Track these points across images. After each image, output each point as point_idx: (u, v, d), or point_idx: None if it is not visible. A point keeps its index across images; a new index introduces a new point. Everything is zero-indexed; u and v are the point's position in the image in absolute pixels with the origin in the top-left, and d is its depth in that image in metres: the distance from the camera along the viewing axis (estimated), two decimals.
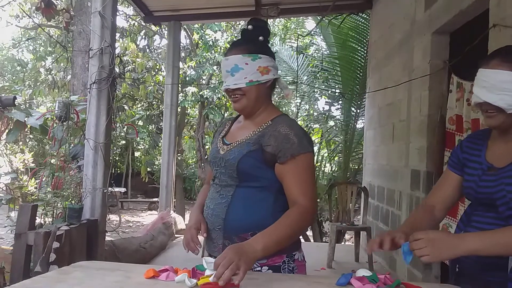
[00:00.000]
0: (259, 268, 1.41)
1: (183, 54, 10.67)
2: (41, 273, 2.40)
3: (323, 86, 8.66)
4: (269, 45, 1.56)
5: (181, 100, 10.04)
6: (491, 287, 1.27)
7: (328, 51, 8.56)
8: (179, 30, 6.11)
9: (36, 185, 4.28)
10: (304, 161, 1.39)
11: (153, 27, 9.67)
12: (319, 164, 9.03)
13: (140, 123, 11.86)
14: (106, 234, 3.79)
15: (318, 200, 8.02)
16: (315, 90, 8.75)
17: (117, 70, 3.86)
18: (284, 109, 17.20)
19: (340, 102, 8.31)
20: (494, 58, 1.27)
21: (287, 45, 11.23)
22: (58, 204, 3.43)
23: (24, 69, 14.47)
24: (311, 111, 9.72)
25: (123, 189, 11.19)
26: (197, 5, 5.59)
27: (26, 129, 4.28)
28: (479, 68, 1.31)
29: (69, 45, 7.63)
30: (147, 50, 10.78)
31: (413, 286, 1.27)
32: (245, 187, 1.43)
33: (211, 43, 9.89)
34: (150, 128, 12.07)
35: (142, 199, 13.16)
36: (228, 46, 1.70)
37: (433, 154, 3.42)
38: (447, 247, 1.16)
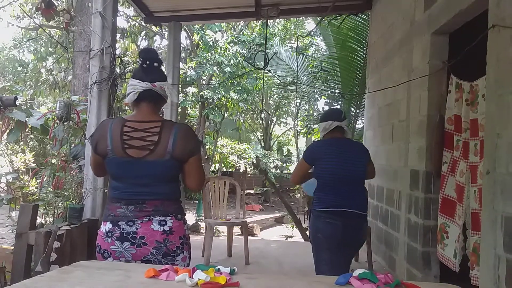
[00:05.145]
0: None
1: (183, 55, 10.68)
2: (42, 272, 2.41)
3: (323, 87, 8.66)
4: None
5: (182, 100, 10.04)
6: None
7: (327, 52, 8.57)
8: (179, 30, 6.11)
9: (37, 185, 4.29)
10: None
11: (154, 28, 9.69)
12: None
13: None
14: None
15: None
16: (315, 90, 8.75)
17: (117, 70, 3.87)
18: (284, 109, 17.24)
19: (339, 102, 8.30)
20: None
21: (287, 45, 11.25)
22: (59, 204, 3.45)
23: (25, 70, 14.50)
24: (311, 111, 9.72)
25: None
26: (197, 6, 5.59)
27: (27, 129, 4.28)
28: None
29: (70, 45, 7.66)
30: None
31: (412, 285, 1.28)
32: None
33: (211, 43, 9.89)
34: None
35: None
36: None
37: (432, 154, 3.43)
38: None
